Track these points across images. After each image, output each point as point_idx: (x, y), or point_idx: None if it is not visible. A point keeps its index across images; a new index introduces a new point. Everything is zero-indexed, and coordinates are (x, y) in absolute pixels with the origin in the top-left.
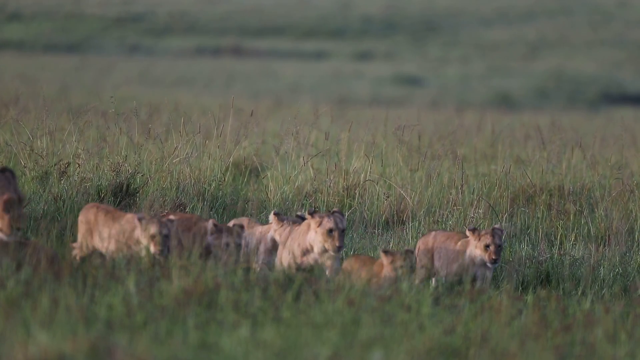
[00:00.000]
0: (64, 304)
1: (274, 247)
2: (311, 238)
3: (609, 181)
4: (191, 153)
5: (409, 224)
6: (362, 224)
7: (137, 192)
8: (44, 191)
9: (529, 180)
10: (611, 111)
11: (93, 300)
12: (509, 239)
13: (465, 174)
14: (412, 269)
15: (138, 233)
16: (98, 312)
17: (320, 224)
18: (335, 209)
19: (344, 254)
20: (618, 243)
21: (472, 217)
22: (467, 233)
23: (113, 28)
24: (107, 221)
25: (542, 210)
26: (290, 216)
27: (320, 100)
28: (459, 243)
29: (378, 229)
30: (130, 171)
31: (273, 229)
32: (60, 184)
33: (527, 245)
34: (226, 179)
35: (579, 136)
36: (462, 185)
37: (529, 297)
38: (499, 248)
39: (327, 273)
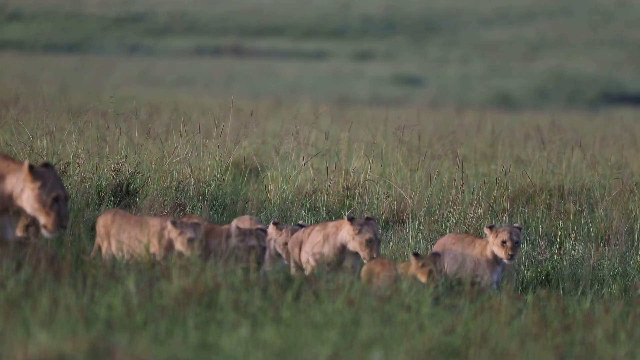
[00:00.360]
0: (64, 304)
1: (277, 253)
2: (344, 239)
3: (608, 181)
4: (191, 153)
5: (408, 224)
6: None
7: (137, 192)
8: None
9: (528, 180)
10: (611, 111)
11: (93, 300)
12: None
13: (465, 174)
14: (440, 273)
15: (172, 236)
16: (98, 312)
17: (359, 232)
18: (369, 216)
19: None
20: (618, 243)
21: (472, 217)
22: (486, 230)
23: (113, 28)
24: (127, 226)
25: (542, 210)
26: (288, 223)
27: (320, 100)
28: (476, 244)
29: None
30: (130, 171)
31: (273, 239)
32: None
33: (527, 245)
34: (226, 179)
35: (579, 136)
36: (462, 185)
37: (529, 297)
38: (515, 244)
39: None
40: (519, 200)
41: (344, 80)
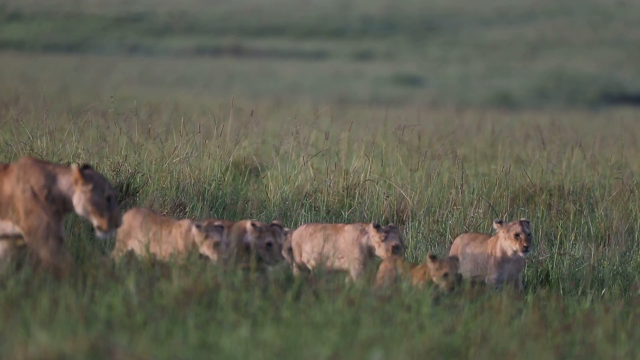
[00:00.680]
0: (64, 304)
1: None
2: (371, 242)
3: (608, 181)
4: (191, 153)
5: (408, 224)
6: None
7: (137, 192)
8: None
9: (528, 180)
10: (611, 111)
11: (93, 300)
12: None
13: (465, 174)
14: (457, 277)
15: (197, 240)
16: (98, 312)
17: (385, 239)
18: (391, 224)
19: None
20: (618, 243)
21: (472, 217)
22: (495, 225)
23: (113, 28)
24: (151, 226)
25: (542, 210)
26: (289, 226)
27: (320, 100)
28: (489, 242)
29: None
30: (130, 171)
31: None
32: None
33: None
34: (226, 179)
35: (579, 136)
36: (462, 185)
37: (529, 297)
38: (529, 236)
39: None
40: (519, 200)
41: (344, 80)
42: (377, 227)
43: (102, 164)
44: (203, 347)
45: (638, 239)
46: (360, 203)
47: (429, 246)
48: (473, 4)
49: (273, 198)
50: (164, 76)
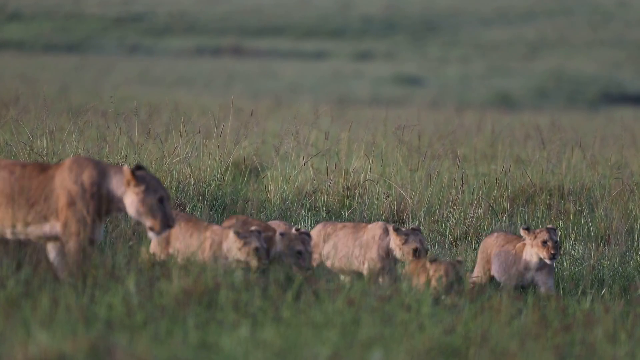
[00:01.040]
0: (64, 304)
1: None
2: (391, 244)
3: (608, 181)
4: (191, 153)
5: (408, 224)
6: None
7: None
8: None
9: (528, 180)
10: (611, 111)
11: (93, 300)
12: None
13: (465, 174)
14: (458, 281)
15: (235, 246)
16: (98, 312)
17: (405, 242)
18: (415, 227)
19: None
20: (618, 243)
21: (472, 217)
22: (522, 232)
23: (113, 28)
24: (188, 230)
25: (542, 210)
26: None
27: (320, 100)
28: (517, 246)
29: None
30: None
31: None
32: None
33: None
34: (226, 179)
35: (579, 136)
36: (462, 185)
37: (529, 297)
38: (556, 244)
39: (384, 278)
40: (519, 200)
41: (344, 80)
42: (397, 230)
43: None
44: (203, 347)
45: (638, 239)
46: (360, 203)
47: (429, 246)
48: (473, 4)
49: (273, 198)
50: (164, 76)
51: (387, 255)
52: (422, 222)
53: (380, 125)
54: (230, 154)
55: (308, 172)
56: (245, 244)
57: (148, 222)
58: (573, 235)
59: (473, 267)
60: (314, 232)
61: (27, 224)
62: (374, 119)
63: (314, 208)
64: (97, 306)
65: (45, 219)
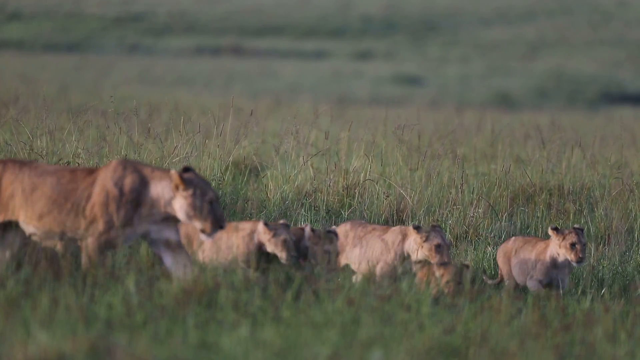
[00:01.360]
0: (63, 304)
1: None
2: (410, 247)
3: (608, 180)
4: (191, 152)
5: (408, 224)
6: None
7: None
8: None
9: (528, 179)
10: (611, 111)
11: (93, 299)
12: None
13: (465, 174)
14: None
15: (264, 239)
16: (98, 312)
17: (426, 239)
18: (435, 224)
19: None
20: (618, 242)
21: (472, 217)
22: (550, 232)
23: (113, 28)
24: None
25: (542, 210)
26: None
27: (320, 100)
28: (538, 246)
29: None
30: None
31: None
32: None
33: None
34: (226, 179)
35: (579, 136)
36: (462, 185)
37: (529, 297)
38: (584, 247)
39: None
40: (519, 200)
41: (344, 80)
42: (417, 228)
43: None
44: (203, 346)
45: (638, 239)
46: (360, 203)
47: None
48: (473, 3)
49: (273, 198)
50: (163, 76)
51: (402, 261)
52: (421, 222)
53: (380, 125)
54: (230, 153)
55: (308, 172)
56: (274, 235)
57: (199, 225)
58: None
59: (474, 268)
60: (340, 232)
61: (76, 229)
62: (373, 118)
63: (314, 208)
64: (97, 306)
65: None
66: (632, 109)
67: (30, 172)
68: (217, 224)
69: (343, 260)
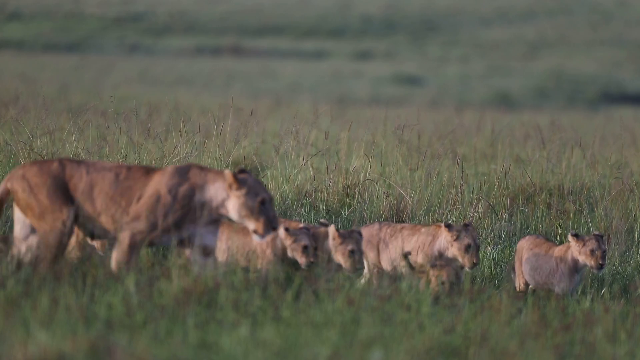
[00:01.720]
0: (63, 304)
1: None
2: (441, 246)
3: (608, 180)
4: (191, 152)
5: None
6: (362, 224)
7: None
8: None
9: (528, 179)
10: (611, 110)
11: (93, 299)
12: (508, 238)
13: (464, 174)
14: (458, 284)
15: (285, 244)
16: (98, 312)
17: (457, 239)
18: (466, 222)
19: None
20: (618, 242)
21: (472, 217)
22: (570, 239)
23: (113, 28)
24: (238, 233)
25: (542, 210)
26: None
27: (319, 100)
28: (556, 252)
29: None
30: None
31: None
32: None
33: None
34: None
35: (579, 135)
36: (461, 185)
37: (529, 297)
38: (604, 253)
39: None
40: (519, 200)
41: (344, 80)
42: (448, 226)
43: None
44: (203, 346)
45: (638, 239)
46: (360, 203)
47: None
48: (473, 3)
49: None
50: (163, 76)
51: (434, 260)
52: (421, 222)
53: (380, 125)
54: (230, 153)
55: (308, 172)
56: (294, 241)
57: (251, 225)
58: None
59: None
60: (369, 232)
61: None
62: (373, 118)
63: (314, 207)
64: (97, 306)
65: None
66: (632, 109)
67: (89, 168)
68: (270, 225)
69: (384, 263)
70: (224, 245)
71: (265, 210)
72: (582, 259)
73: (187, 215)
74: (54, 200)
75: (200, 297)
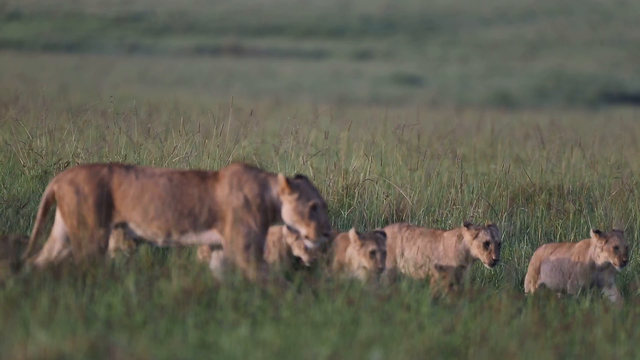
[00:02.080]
0: (63, 304)
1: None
2: (466, 245)
3: (608, 180)
4: (191, 152)
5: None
6: (362, 224)
7: None
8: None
9: (528, 179)
10: (610, 110)
11: (92, 299)
12: (508, 238)
13: (464, 173)
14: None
15: (289, 241)
16: (97, 312)
17: (476, 237)
18: (490, 223)
19: None
20: None
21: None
22: (592, 235)
23: (112, 27)
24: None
25: (542, 210)
26: None
27: (319, 100)
28: (575, 251)
29: (378, 228)
30: None
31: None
32: None
33: (527, 245)
34: None
35: (579, 135)
36: (461, 185)
37: (529, 297)
38: (626, 250)
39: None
40: (519, 200)
41: (344, 79)
42: (467, 225)
43: None
44: (202, 346)
45: (638, 239)
46: (359, 203)
47: None
48: (473, 3)
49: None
50: (163, 76)
51: (466, 260)
52: (421, 222)
53: (380, 125)
54: (230, 153)
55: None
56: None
57: (302, 230)
58: (573, 234)
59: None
60: (388, 233)
61: (183, 232)
62: (373, 118)
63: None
64: (97, 306)
65: (206, 227)
66: (632, 109)
67: (138, 174)
68: (321, 231)
69: (401, 264)
70: None
71: (316, 216)
72: (604, 256)
73: (267, 214)
74: (96, 216)
75: (200, 297)
